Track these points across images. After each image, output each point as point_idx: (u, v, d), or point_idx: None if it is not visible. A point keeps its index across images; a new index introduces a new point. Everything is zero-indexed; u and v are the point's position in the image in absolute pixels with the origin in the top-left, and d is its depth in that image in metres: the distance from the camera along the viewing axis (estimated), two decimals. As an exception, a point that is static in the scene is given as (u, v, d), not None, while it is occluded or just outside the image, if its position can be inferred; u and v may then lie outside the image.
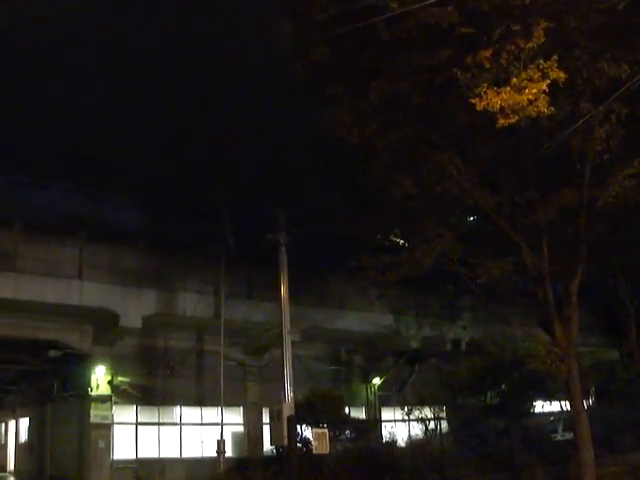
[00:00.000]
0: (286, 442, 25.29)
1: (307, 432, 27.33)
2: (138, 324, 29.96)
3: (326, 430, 26.67)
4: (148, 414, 32.89)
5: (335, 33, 18.08)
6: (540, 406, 37.87)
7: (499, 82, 17.55)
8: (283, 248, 27.65)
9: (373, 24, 17.34)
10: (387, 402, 40.89)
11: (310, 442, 26.62)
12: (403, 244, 28.52)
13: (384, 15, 16.95)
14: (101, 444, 30.49)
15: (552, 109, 17.23)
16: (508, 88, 16.52)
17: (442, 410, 35.46)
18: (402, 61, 19.40)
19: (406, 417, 35.40)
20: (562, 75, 16.90)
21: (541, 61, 16.89)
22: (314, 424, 27.20)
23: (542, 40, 17.14)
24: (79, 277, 29.10)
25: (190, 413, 33.94)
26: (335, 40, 18.92)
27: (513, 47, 17.51)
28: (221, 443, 30.37)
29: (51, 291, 28.03)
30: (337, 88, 20.98)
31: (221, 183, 34.48)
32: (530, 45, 17.26)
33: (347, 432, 29.75)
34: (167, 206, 32.53)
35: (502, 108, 16.40)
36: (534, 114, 16.87)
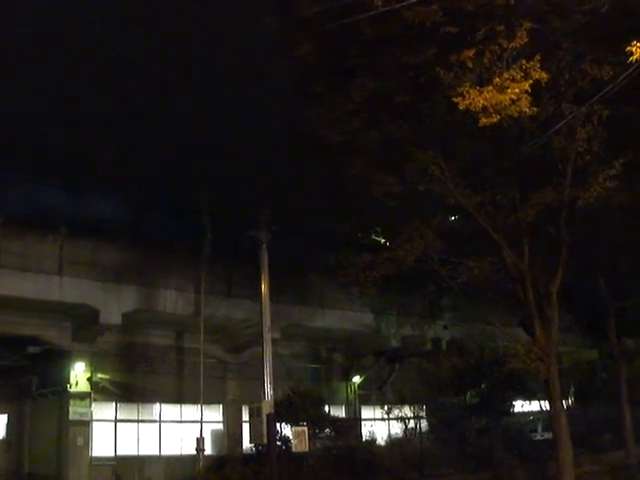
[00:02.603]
0: (265, 440, 25.25)
1: (287, 430, 27.33)
2: (118, 320, 29.80)
3: (306, 428, 26.67)
4: (127, 411, 32.76)
5: (320, 30, 18.09)
6: (520, 406, 38.02)
7: (482, 82, 17.64)
8: (264, 246, 27.60)
9: (357, 22, 17.34)
10: (367, 401, 40.89)
11: (290, 440, 26.63)
12: (384, 242, 28.54)
13: (369, 13, 16.96)
14: (80, 441, 30.30)
15: (534, 109, 17.34)
16: (491, 87, 16.61)
17: (422, 409, 35.57)
18: (386, 59, 19.44)
19: (386, 416, 35.48)
20: (544, 75, 17.01)
21: (524, 61, 17.00)
22: (294, 422, 27.20)
23: (525, 41, 17.27)
24: (59, 273, 28.91)
25: (170, 410, 33.83)
26: (319, 37, 18.93)
27: (496, 47, 17.65)
28: (200, 441, 30.26)
29: (31, 286, 27.80)
30: (321, 85, 20.96)
31: (203, 180, 34.43)
32: (513, 45, 17.42)
33: (327, 430, 29.79)
34: (148, 203, 32.41)
35: (484, 107, 16.48)
36: (516, 114, 16.97)
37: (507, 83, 16.60)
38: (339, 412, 38.25)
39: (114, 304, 29.69)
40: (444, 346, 39.69)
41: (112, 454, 31.62)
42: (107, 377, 31.47)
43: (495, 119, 16.70)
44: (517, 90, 16.43)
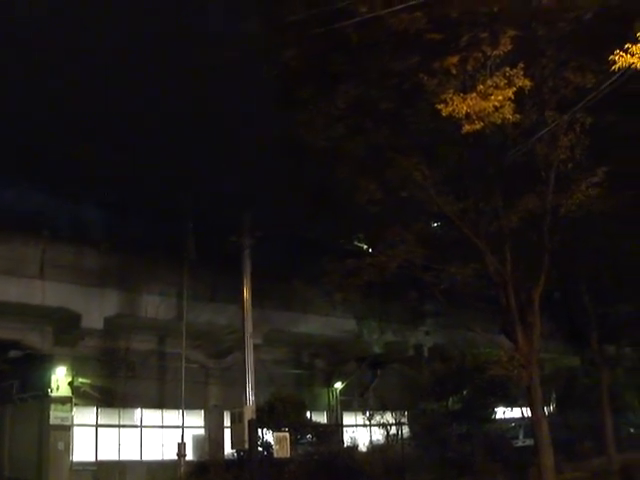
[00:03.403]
0: (247, 446, 25.22)
1: (268, 436, 27.28)
2: (100, 325, 29.77)
3: (287, 434, 26.64)
4: (108, 416, 32.64)
5: (305, 35, 18.08)
6: (501, 412, 38.05)
7: (465, 88, 17.67)
8: (247, 251, 27.60)
9: (342, 28, 17.34)
10: (349, 407, 40.92)
11: (271, 446, 26.59)
12: (367, 249, 28.54)
13: (353, 19, 16.96)
14: (60, 446, 30.19)
15: (517, 116, 17.39)
16: (474, 94, 16.63)
17: (404, 415, 35.54)
18: (370, 65, 19.45)
19: (367, 422, 35.45)
20: (528, 83, 17.07)
21: (507, 69, 17.04)
22: (275, 428, 27.16)
23: (509, 48, 17.30)
24: (41, 277, 28.82)
25: (151, 415, 33.74)
26: (304, 42, 18.91)
27: (480, 54, 17.67)
28: (182, 446, 30.21)
29: (13, 290, 27.77)
30: (305, 91, 20.95)
31: (186, 185, 34.30)
32: (497, 53, 17.44)
33: (308, 436, 29.77)
34: (131, 207, 32.30)
35: (468, 114, 16.50)
36: (499, 121, 17.00)
37: (490, 90, 16.63)
38: (321, 418, 38.29)
39: (96, 308, 29.65)
40: (426, 352, 39.78)
41: (93, 459, 31.55)
42: (88, 382, 31.37)
43: (478, 126, 16.73)
44: (500, 97, 16.46)
